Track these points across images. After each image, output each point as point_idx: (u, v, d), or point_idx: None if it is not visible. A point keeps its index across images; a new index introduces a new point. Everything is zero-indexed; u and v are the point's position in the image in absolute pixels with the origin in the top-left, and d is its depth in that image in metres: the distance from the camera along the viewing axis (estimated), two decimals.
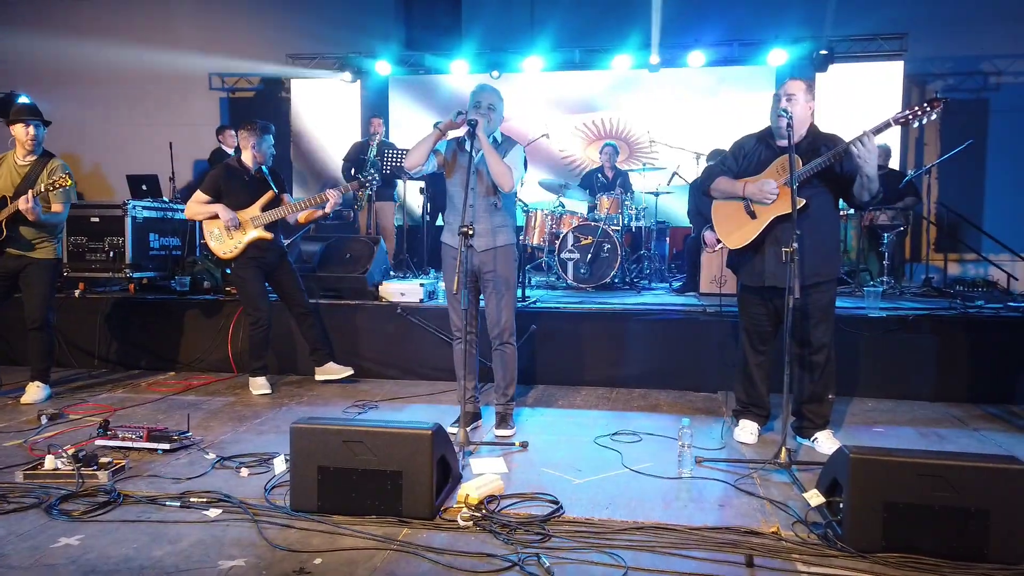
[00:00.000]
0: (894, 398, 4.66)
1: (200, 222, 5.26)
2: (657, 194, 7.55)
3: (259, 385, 4.74)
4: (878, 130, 3.36)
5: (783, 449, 3.19)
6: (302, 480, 2.70)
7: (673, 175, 7.51)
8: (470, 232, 3.40)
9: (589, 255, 6.73)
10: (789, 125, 3.38)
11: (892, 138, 8.83)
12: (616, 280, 6.85)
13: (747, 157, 3.63)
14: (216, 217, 4.63)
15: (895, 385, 4.68)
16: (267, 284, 4.83)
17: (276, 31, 10.32)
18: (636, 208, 7.37)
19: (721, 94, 9.19)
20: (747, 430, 3.75)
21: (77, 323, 5.58)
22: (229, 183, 4.66)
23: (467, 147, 3.62)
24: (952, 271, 9.14)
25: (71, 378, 5.19)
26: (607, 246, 6.70)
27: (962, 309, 4.94)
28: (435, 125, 3.70)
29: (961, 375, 4.63)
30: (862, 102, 8.99)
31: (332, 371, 4.93)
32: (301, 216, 4.81)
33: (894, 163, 8.28)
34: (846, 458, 2.47)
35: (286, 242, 5.33)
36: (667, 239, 8.08)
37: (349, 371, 4.93)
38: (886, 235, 6.42)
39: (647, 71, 9.28)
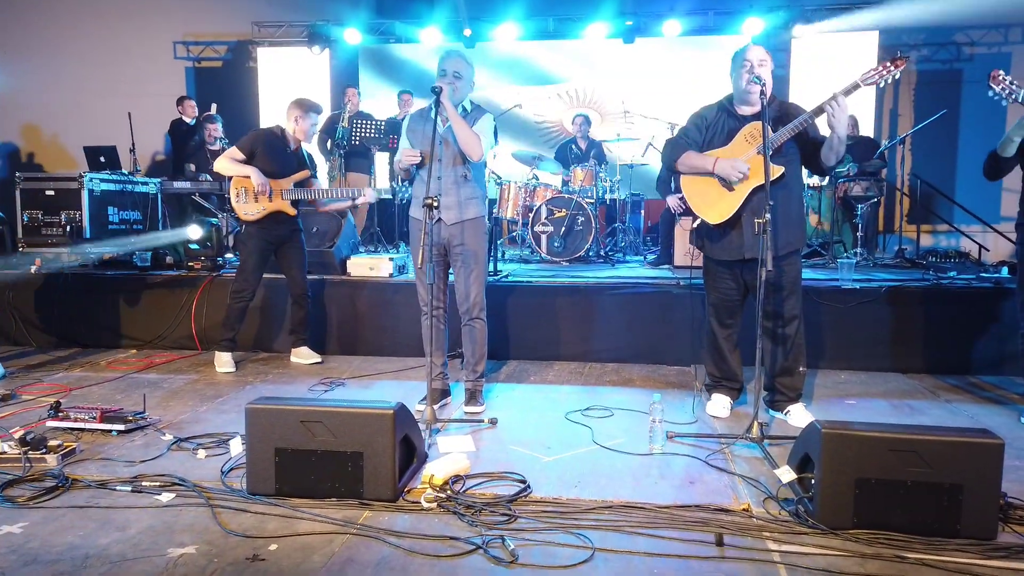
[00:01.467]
0: (867, 370, 4.64)
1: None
2: (632, 166, 7.45)
3: (224, 362, 4.61)
4: (847, 91, 3.29)
5: (754, 423, 3.14)
6: (259, 463, 2.60)
7: (648, 146, 7.40)
8: (435, 204, 3.27)
9: (563, 228, 6.63)
10: (763, 92, 3.29)
11: (866, 109, 8.81)
12: (591, 253, 6.76)
13: (710, 128, 3.52)
14: (247, 178, 4.51)
15: (868, 357, 4.66)
16: (274, 259, 4.74)
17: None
18: (610, 180, 7.27)
19: (696, 64, 9.08)
20: (719, 404, 3.70)
21: (34, 300, 5.38)
22: (267, 148, 4.57)
23: (432, 116, 3.48)
24: (925, 242, 9.18)
25: (27, 357, 5.01)
26: (581, 219, 6.60)
27: (935, 280, 4.92)
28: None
29: (933, 347, 4.61)
30: (836, 73, 8.93)
31: (303, 355, 4.85)
32: (331, 206, 4.83)
33: (867, 129, 8.26)
34: (818, 433, 2.42)
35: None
36: (642, 211, 7.99)
37: (318, 359, 4.84)
38: (860, 206, 6.39)
39: (622, 41, 9.14)
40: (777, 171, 3.32)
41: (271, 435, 2.59)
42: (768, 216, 3.07)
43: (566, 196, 6.72)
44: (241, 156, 4.54)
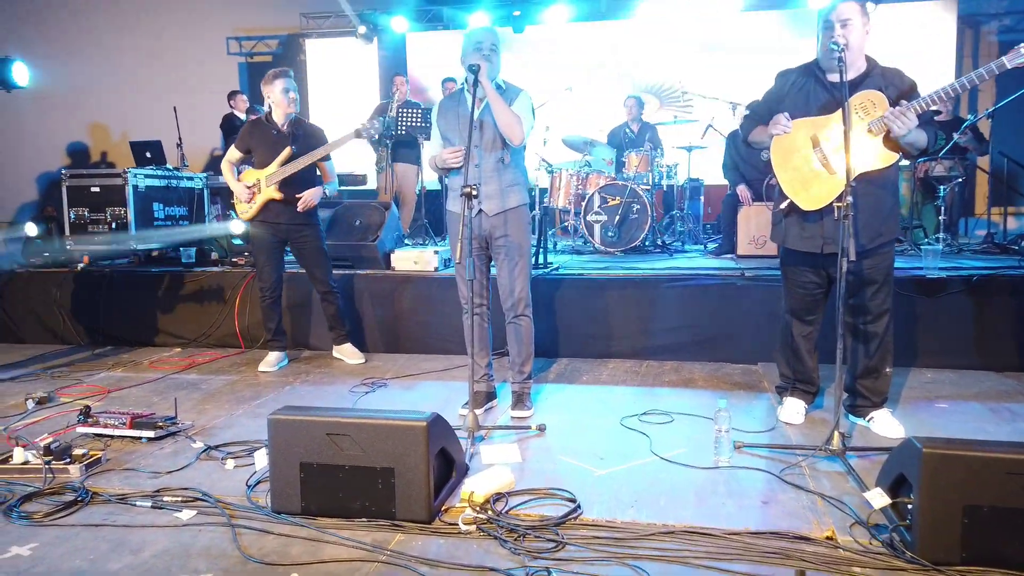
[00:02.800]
0: (956, 368, 4.19)
1: None
2: (690, 149, 7.05)
3: (267, 362, 4.48)
4: (980, 76, 2.81)
5: (835, 433, 2.78)
6: (283, 478, 2.39)
7: (708, 127, 6.98)
8: (474, 193, 3.01)
9: (617, 217, 6.30)
10: (841, 59, 2.88)
11: (944, 80, 8.17)
12: (647, 243, 6.41)
13: (793, 97, 3.08)
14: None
15: (956, 353, 4.21)
16: (289, 252, 4.55)
17: None
18: (667, 165, 6.89)
19: (759, 40, 8.58)
20: (793, 409, 3.34)
21: (80, 298, 5.35)
22: (256, 139, 4.35)
23: (467, 98, 3.20)
24: (1011, 226, 8.50)
25: (72, 355, 4.97)
26: (636, 207, 6.25)
27: None
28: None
29: None
30: (912, 46, 8.32)
31: (346, 353, 4.66)
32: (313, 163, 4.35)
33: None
34: (917, 452, 2.06)
35: (324, 214, 5.03)
36: (701, 198, 7.56)
37: (361, 359, 4.63)
38: (942, 187, 5.85)
39: (676, 19, 8.70)
40: (891, 158, 2.91)
41: (296, 448, 2.37)
42: (849, 199, 2.70)
43: (620, 183, 6.37)
44: (237, 155, 4.40)
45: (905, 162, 6.29)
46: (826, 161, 2.96)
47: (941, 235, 5.82)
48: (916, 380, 4.01)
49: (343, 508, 2.35)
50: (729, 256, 5.82)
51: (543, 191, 6.95)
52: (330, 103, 9.82)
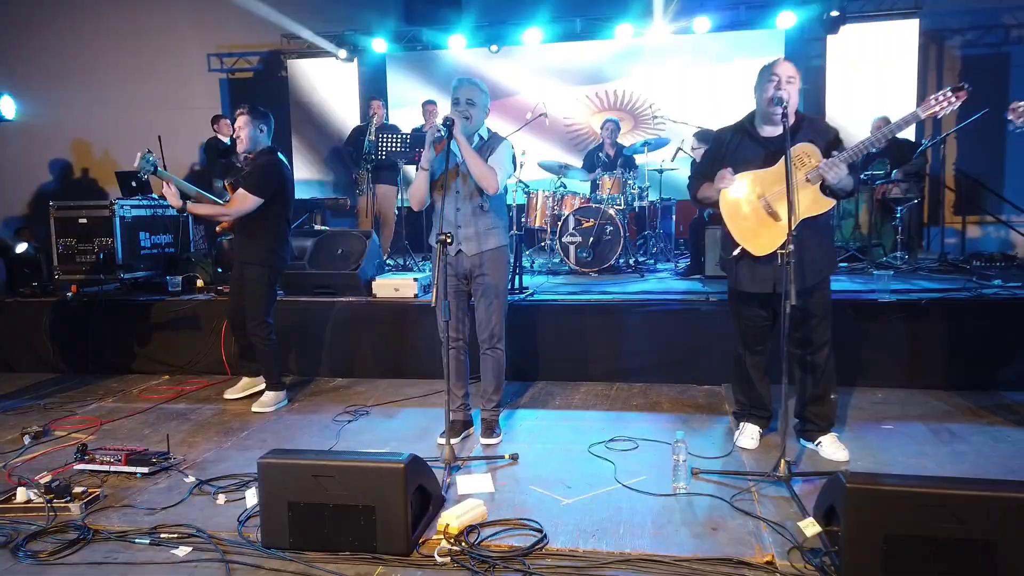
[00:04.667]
0: (907, 387, 4.46)
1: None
2: (661, 171, 7.31)
3: (262, 403, 4.45)
4: (906, 122, 3.11)
5: (782, 461, 3.03)
6: (273, 517, 2.59)
7: (678, 150, 7.24)
8: (448, 241, 3.24)
9: (591, 238, 6.54)
10: (784, 115, 3.13)
11: (907, 98, 8.47)
12: (620, 262, 6.66)
13: (731, 155, 3.32)
14: None
15: (906, 374, 4.49)
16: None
17: (271, 10, 10.10)
18: (639, 187, 7.15)
19: (729, 60, 8.87)
20: (748, 434, 3.59)
21: (69, 327, 5.50)
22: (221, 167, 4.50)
23: (445, 149, 3.43)
24: (973, 234, 8.83)
25: (62, 383, 5.13)
26: (609, 228, 6.51)
27: (977, 291, 4.71)
28: (429, 138, 3.49)
29: (978, 362, 4.41)
30: (876, 63, 8.64)
31: (239, 388, 4.66)
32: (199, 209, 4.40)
33: (909, 130, 7.95)
34: (843, 487, 2.31)
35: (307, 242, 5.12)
36: (673, 216, 7.84)
37: (243, 393, 4.61)
38: (899, 208, 6.15)
39: (651, 39, 8.96)
40: (828, 204, 3.17)
41: (284, 489, 2.58)
42: (791, 248, 2.94)
43: (594, 205, 6.63)
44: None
45: (861, 186, 6.63)
46: (771, 210, 3.21)
47: (898, 253, 6.13)
48: (867, 401, 4.28)
49: (328, 543, 2.56)
50: (697, 277, 6.07)
51: (520, 208, 7.16)
52: (312, 119, 9.99)
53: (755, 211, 3.26)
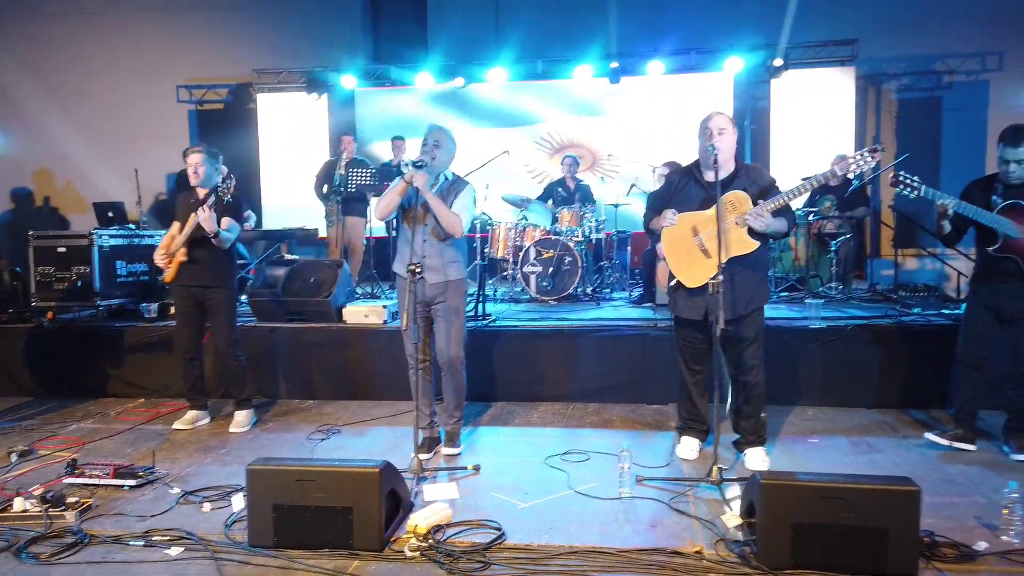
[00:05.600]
0: (834, 406, 4.90)
1: None
2: (616, 206, 7.77)
3: (184, 420, 4.72)
4: (825, 178, 3.56)
5: (713, 468, 3.41)
6: (259, 518, 2.88)
7: (632, 187, 7.72)
8: (418, 271, 3.59)
9: (551, 268, 6.93)
10: (716, 161, 3.57)
11: (847, 138, 9.11)
12: (578, 291, 7.05)
13: (676, 194, 3.78)
14: None
15: (834, 393, 4.93)
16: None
17: (242, 47, 10.44)
18: (596, 220, 7.58)
19: (680, 102, 9.43)
20: (688, 446, 3.98)
21: (47, 352, 5.69)
22: (176, 205, 4.71)
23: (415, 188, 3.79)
24: (911, 266, 9.46)
25: (39, 407, 5.31)
26: (568, 259, 6.90)
27: (897, 318, 5.20)
28: (403, 169, 3.86)
29: (895, 382, 4.88)
30: (818, 105, 9.27)
31: (237, 422, 4.71)
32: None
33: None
34: (759, 484, 2.69)
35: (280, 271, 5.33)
36: (629, 248, 8.29)
37: (245, 428, 4.68)
38: (833, 242, 6.68)
39: (608, 81, 9.49)
40: (753, 245, 3.58)
41: (270, 493, 2.87)
42: (720, 278, 3.36)
43: (553, 237, 7.03)
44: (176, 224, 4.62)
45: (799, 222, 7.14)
46: (704, 247, 3.64)
47: (833, 284, 6.64)
48: (799, 417, 4.70)
49: (310, 541, 2.86)
50: (649, 305, 6.48)
51: (484, 240, 7.54)
52: (281, 152, 10.26)
53: (689, 248, 3.69)
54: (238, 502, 3.21)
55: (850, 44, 9.10)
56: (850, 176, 3.53)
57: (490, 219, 7.52)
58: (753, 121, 9.64)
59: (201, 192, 4.62)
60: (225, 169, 4.79)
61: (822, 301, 5.80)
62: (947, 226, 3.81)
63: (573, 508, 3.28)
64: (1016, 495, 2.85)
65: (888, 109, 9.90)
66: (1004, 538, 2.83)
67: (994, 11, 9.13)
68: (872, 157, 3.55)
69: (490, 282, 7.55)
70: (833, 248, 6.69)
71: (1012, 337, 3.86)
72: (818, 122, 9.20)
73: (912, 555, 2.57)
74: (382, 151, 8.89)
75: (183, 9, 10.66)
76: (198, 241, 4.50)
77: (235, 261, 4.78)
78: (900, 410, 4.77)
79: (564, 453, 4.04)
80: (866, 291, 6.80)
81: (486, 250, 7.45)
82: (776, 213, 3.55)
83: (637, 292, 7.26)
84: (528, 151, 9.81)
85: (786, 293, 6.77)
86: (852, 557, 2.59)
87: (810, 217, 6.90)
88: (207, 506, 3.32)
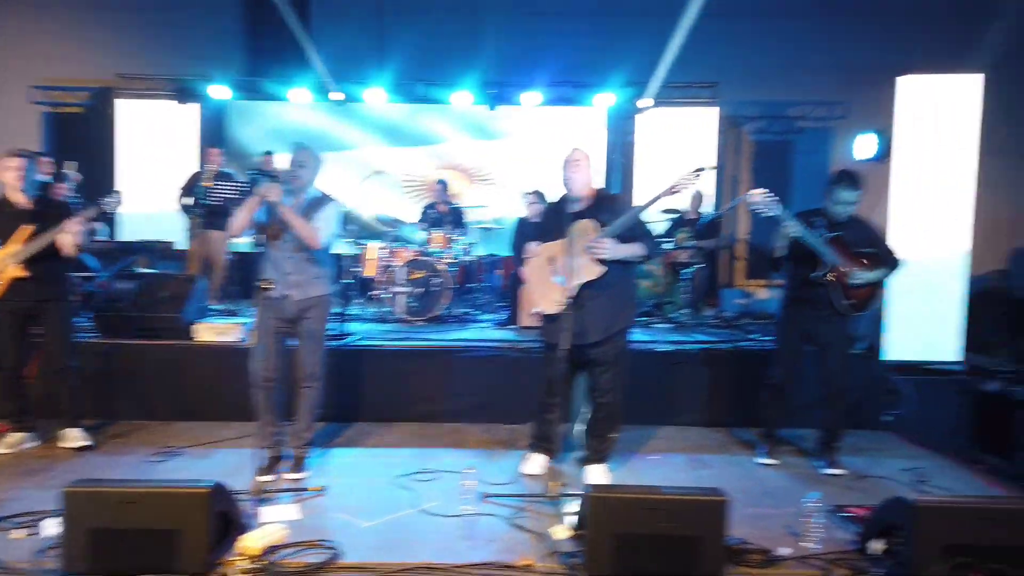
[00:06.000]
0: (684, 424, 5.18)
1: None
2: (487, 230, 7.92)
3: (6, 443, 4.40)
4: (657, 198, 3.79)
5: (550, 484, 3.56)
6: (74, 543, 2.72)
7: (505, 212, 7.90)
8: (268, 288, 3.55)
9: (420, 289, 6.96)
10: (569, 191, 3.77)
11: (708, 177, 9.73)
12: (446, 313, 7.11)
13: (549, 222, 3.97)
14: None
15: (676, 413, 5.23)
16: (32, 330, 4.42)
17: (104, 49, 9.91)
18: (467, 243, 7.69)
19: (555, 132, 9.77)
20: (535, 462, 4.10)
21: None
22: None
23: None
24: (764, 296, 10.15)
25: None
26: (437, 281, 6.95)
27: (735, 343, 5.58)
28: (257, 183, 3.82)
29: (727, 403, 5.24)
30: (684, 142, 9.87)
31: (68, 438, 4.47)
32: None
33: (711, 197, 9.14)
34: (588, 497, 2.83)
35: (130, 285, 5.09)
36: (500, 271, 8.46)
37: (86, 442, 4.47)
38: (684, 272, 7.11)
39: (486, 108, 9.71)
40: (600, 271, 3.74)
41: (88, 516, 2.73)
42: (569, 302, 3.53)
43: (423, 258, 7.06)
44: None
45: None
46: (558, 275, 3.80)
47: (684, 310, 7.05)
48: (644, 436, 4.93)
49: (129, 566, 2.73)
50: (513, 327, 6.63)
51: (355, 258, 7.47)
52: (142, 165, 9.77)
53: (547, 276, 3.86)
54: (49, 527, 3.02)
55: (711, 87, 9.75)
56: (677, 192, 3.78)
57: (360, 239, 7.48)
58: (622, 155, 10.12)
59: (21, 200, 4.26)
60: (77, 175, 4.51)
61: (671, 326, 6.13)
62: (783, 250, 4.15)
63: (415, 526, 3.31)
64: (816, 505, 3.13)
65: (746, 149, 10.64)
66: (803, 544, 3.10)
67: (843, 63, 10.01)
68: (696, 177, 3.82)
69: (359, 301, 7.48)
70: (686, 277, 7.11)
71: (822, 361, 4.24)
72: (682, 158, 9.78)
73: (720, 560, 2.77)
74: (254, 165, 8.66)
75: (41, 4, 10.03)
76: (37, 256, 4.18)
77: (70, 269, 4.55)
78: (731, 428, 5.10)
79: (415, 473, 4.06)
80: (714, 318, 7.25)
81: (355, 270, 7.38)
82: (629, 239, 3.75)
83: (506, 314, 7.40)
84: (409, 169, 9.85)
85: (645, 318, 7.11)
86: (669, 564, 2.76)
87: (665, 247, 7.30)
88: (18, 533, 3.10)
